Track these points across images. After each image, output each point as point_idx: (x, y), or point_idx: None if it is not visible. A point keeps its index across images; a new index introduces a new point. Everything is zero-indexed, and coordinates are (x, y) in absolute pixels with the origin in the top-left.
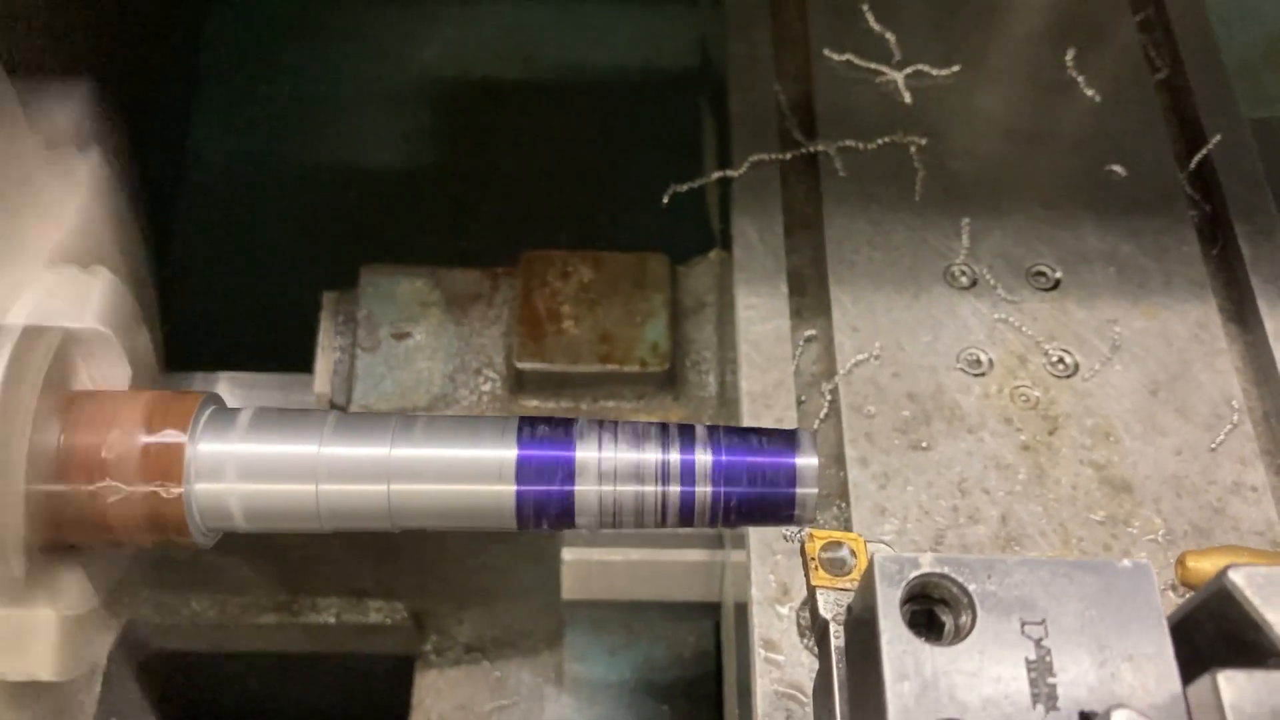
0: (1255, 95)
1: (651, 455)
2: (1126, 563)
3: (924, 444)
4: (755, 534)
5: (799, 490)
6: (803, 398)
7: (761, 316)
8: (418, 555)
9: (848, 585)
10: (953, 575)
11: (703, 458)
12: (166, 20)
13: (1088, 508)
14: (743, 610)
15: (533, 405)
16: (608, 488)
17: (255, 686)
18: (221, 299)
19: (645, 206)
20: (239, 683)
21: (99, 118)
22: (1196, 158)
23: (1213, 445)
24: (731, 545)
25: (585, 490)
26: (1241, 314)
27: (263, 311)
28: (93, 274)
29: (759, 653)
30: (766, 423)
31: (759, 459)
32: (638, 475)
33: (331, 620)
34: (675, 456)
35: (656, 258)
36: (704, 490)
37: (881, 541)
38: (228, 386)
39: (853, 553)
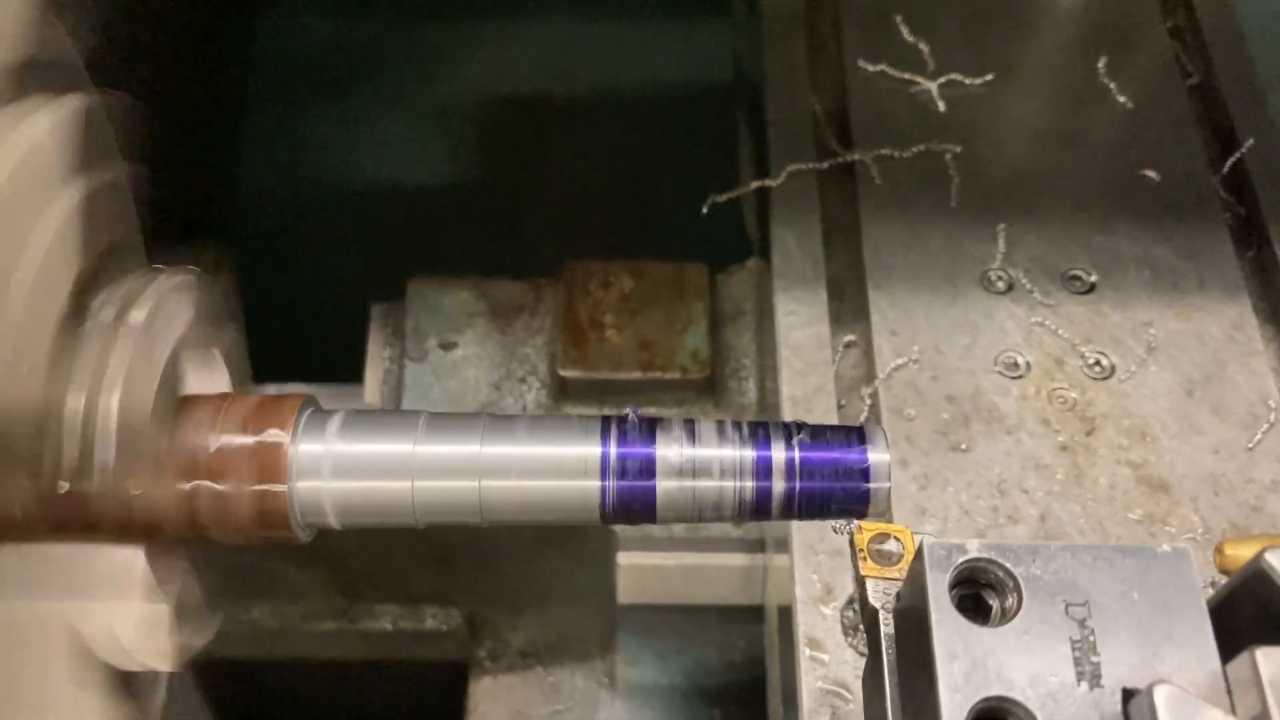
0: None
1: (730, 452)
2: (1166, 548)
3: (963, 445)
4: (798, 535)
5: (873, 485)
6: (843, 402)
7: (801, 322)
8: (472, 562)
9: (896, 575)
10: (999, 560)
11: (779, 454)
12: (217, 42)
13: (1125, 507)
14: (786, 612)
15: (576, 412)
16: (688, 483)
17: (312, 692)
18: (273, 312)
19: (684, 216)
20: (296, 688)
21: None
22: (1230, 161)
23: (1250, 444)
24: (774, 549)
25: (666, 485)
26: (1277, 315)
27: (314, 323)
28: (192, 281)
29: (804, 651)
30: None
31: (834, 454)
32: (716, 471)
33: (388, 627)
34: (751, 453)
35: (695, 267)
36: (780, 485)
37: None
38: None
39: (900, 544)
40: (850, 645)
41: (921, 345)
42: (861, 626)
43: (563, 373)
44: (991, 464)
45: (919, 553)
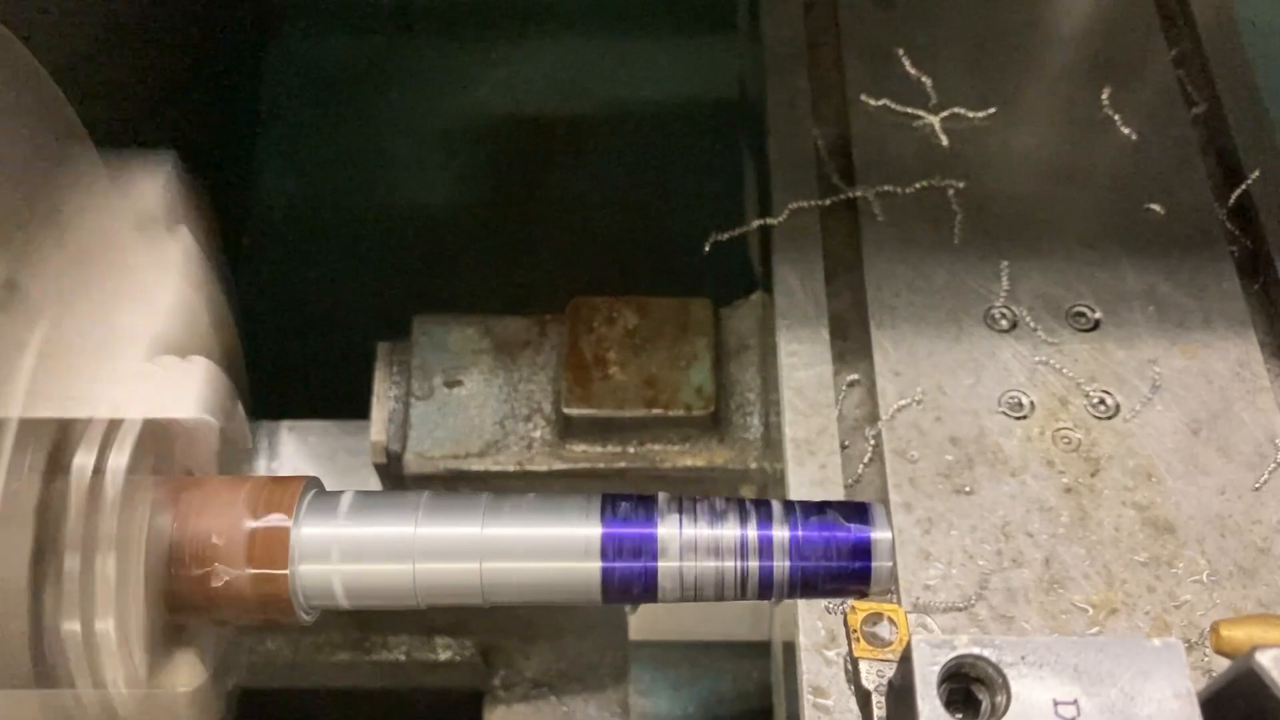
0: None
1: (730, 531)
2: (1156, 642)
3: (967, 488)
4: None
5: (874, 564)
6: (846, 443)
7: (804, 363)
8: None
9: (889, 656)
10: (987, 656)
11: (780, 533)
12: (228, 67)
13: (1131, 549)
14: (790, 652)
15: (580, 450)
16: (689, 563)
17: None
18: (280, 343)
19: (690, 242)
20: (310, 718)
21: (183, 192)
22: (1236, 194)
23: (1256, 485)
24: None
25: (667, 566)
26: None
27: (322, 353)
28: (192, 364)
29: (808, 698)
30: (810, 469)
31: (835, 533)
32: (717, 551)
33: (402, 658)
34: (753, 533)
35: (700, 302)
36: (781, 565)
37: (924, 615)
38: (287, 434)
39: (893, 624)
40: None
41: (925, 385)
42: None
43: (567, 411)
44: (996, 507)
45: (906, 650)
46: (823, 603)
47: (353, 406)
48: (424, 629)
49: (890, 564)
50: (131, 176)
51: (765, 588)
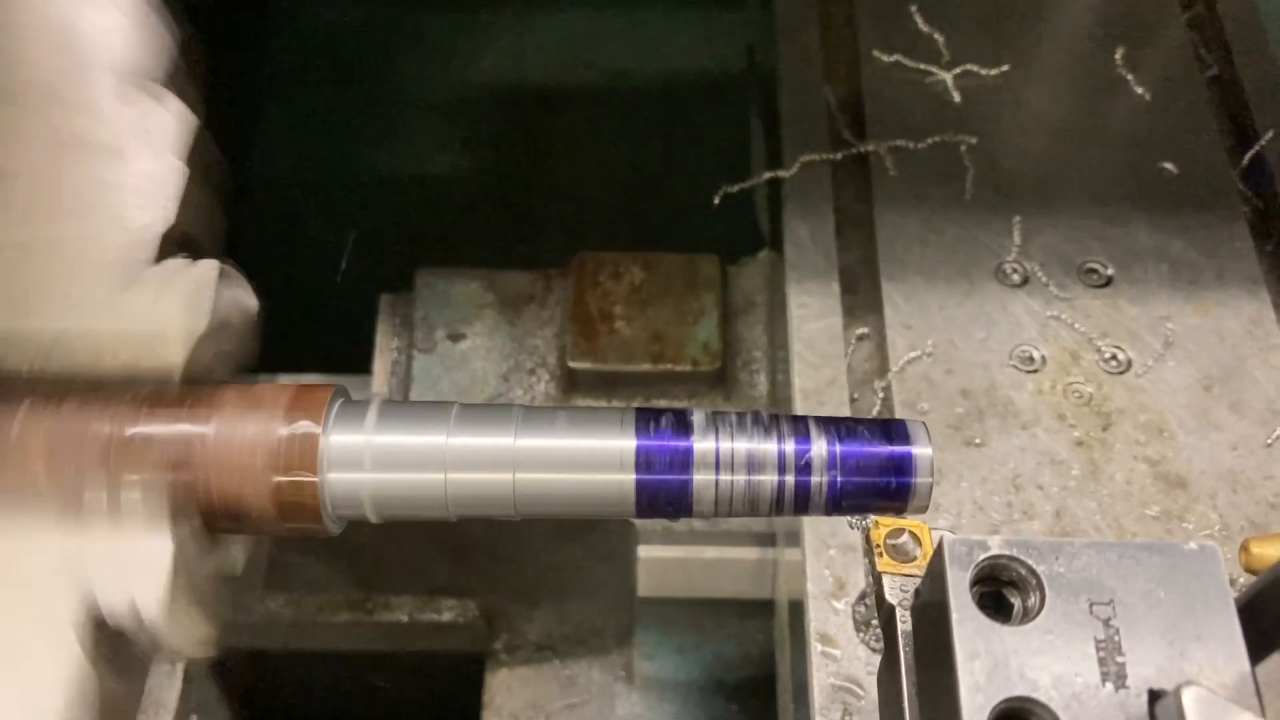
0: None
1: (769, 445)
2: (1193, 544)
3: (978, 440)
4: (810, 530)
5: (916, 480)
6: (855, 395)
7: (814, 315)
8: (490, 554)
9: (914, 571)
10: (1021, 557)
11: (819, 447)
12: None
13: (1142, 503)
14: (797, 606)
15: (585, 404)
16: (724, 477)
17: (329, 683)
18: (282, 301)
19: (697, 207)
20: (313, 679)
21: (175, 52)
22: (1249, 155)
23: (1269, 441)
24: (785, 543)
25: (702, 479)
26: None
27: (324, 312)
28: (203, 268)
29: (815, 647)
30: None
31: (876, 448)
32: (753, 465)
33: (404, 619)
34: (791, 446)
35: (707, 258)
36: (820, 479)
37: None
38: None
39: (917, 540)
40: (862, 641)
41: (935, 339)
42: (875, 622)
43: (572, 364)
44: (1006, 459)
45: (939, 549)
46: (830, 550)
47: (357, 364)
48: (427, 589)
49: (930, 480)
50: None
51: (802, 503)
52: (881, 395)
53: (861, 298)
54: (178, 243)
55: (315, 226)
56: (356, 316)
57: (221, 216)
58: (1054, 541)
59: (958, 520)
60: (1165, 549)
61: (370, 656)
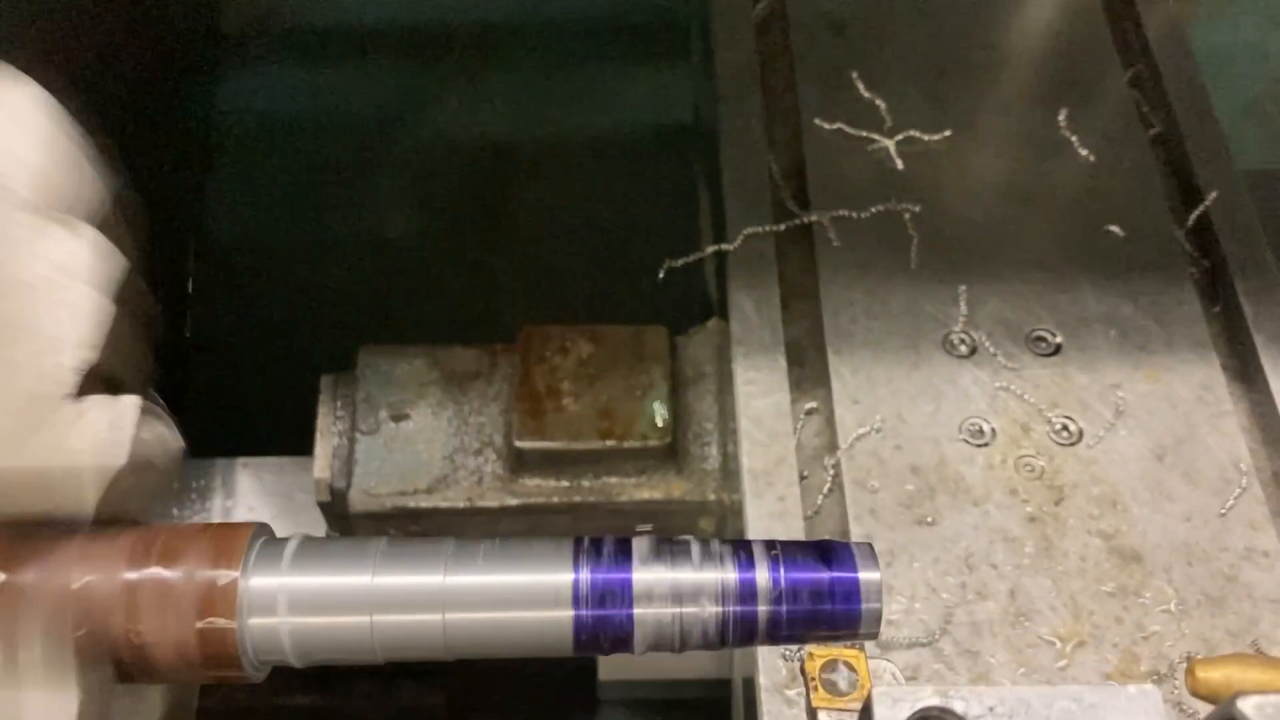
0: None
1: (710, 575)
2: (1131, 689)
3: (929, 519)
4: None
5: (864, 606)
6: (805, 473)
7: (761, 391)
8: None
9: (850, 705)
10: (954, 709)
11: (762, 576)
12: (179, 92)
13: (1097, 579)
14: (751, 689)
15: (534, 484)
16: (666, 609)
17: None
18: (232, 373)
19: (651, 269)
20: None
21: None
22: (1194, 214)
23: (1222, 510)
24: None
25: (644, 613)
26: (1246, 372)
27: (276, 384)
28: (123, 404)
29: None
30: (769, 501)
31: (822, 575)
32: (698, 596)
33: (365, 703)
34: (733, 575)
35: (654, 330)
36: (765, 609)
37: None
38: (242, 472)
39: (853, 670)
40: None
41: (884, 413)
42: None
43: (519, 444)
44: (959, 537)
45: (867, 704)
46: None
47: (307, 444)
48: (387, 674)
49: (879, 605)
50: None
51: (749, 634)
52: (832, 473)
53: (809, 370)
54: (103, 380)
55: (267, 293)
56: (306, 391)
57: (151, 357)
58: (990, 691)
59: (911, 603)
60: (1104, 692)
61: None
